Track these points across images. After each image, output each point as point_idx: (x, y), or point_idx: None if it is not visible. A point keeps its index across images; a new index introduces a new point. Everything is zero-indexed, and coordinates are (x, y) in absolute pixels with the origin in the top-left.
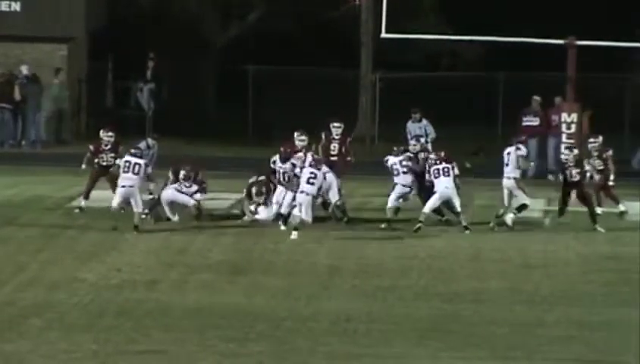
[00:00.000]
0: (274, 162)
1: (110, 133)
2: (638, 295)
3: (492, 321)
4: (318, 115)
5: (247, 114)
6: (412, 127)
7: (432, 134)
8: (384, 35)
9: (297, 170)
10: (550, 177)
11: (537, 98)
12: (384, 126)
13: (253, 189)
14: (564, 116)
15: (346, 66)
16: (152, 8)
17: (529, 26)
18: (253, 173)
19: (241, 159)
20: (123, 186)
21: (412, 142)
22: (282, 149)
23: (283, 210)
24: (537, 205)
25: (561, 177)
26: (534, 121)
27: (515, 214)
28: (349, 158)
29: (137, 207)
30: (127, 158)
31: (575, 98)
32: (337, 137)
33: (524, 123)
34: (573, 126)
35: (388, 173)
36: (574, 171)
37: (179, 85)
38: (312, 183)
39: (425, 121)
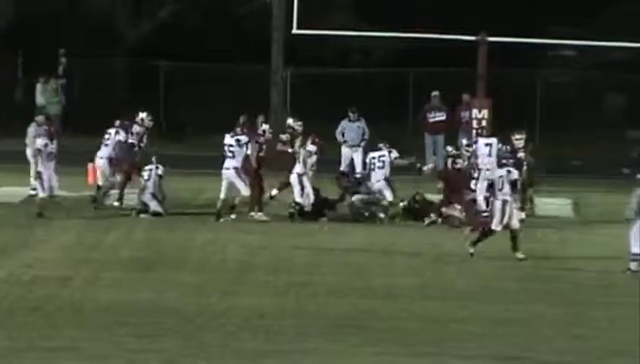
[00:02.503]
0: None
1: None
2: (549, 291)
3: (406, 317)
4: (231, 111)
5: (159, 111)
6: (349, 126)
7: (367, 134)
8: (295, 31)
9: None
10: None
11: (436, 93)
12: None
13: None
14: (475, 112)
15: (258, 62)
16: (64, 4)
17: (441, 22)
18: None
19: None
20: None
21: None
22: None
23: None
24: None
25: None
26: (441, 116)
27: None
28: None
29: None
30: None
31: (485, 94)
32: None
33: (430, 120)
34: (484, 122)
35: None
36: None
37: (90, 81)
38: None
39: (362, 121)
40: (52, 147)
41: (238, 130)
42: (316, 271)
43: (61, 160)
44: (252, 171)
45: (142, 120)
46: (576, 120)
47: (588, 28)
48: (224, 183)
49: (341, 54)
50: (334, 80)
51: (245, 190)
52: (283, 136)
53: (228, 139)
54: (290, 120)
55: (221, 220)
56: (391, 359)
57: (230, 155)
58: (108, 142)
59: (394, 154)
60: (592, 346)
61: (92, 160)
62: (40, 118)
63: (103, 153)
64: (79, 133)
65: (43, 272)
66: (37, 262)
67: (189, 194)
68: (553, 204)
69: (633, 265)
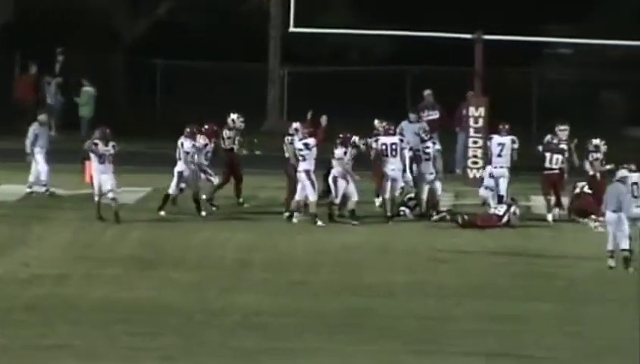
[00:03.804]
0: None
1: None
2: (545, 288)
3: (402, 315)
4: (228, 109)
5: (155, 109)
6: (409, 128)
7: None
8: (292, 29)
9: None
10: (458, 171)
11: (429, 91)
12: (293, 120)
13: None
14: (472, 110)
15: (255, 60)
16: (61, 2)
17: (438, 20)
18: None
19: (150, 154)
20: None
21: None
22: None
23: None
24: (446, 200)
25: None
26: (434, 115)
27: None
28: None
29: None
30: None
31: (482, 92)
32: None
33: (425, 118)
34: (481, 120)
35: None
36: None
37: (88, 79)
38: None
39: (423, 123)
40: (106, 149)
41: (305, 131)
42: (314, 269)
43: (58, 157)
44: (292, 172)
45: (232, 121)
46: (573, 118)
47: (584, 26)
48: (299, 186)
49: (338, 52)
50: (331, 78)
51: (312, 195)
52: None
53: (297, 144)
54: (375, 121)
55: (294, 220)
56: (388, 356)
57: (301, 158)
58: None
59: (437, 146)
60: (587, 343)
61: (88, 157)
62: (42, 117)
63: (179, 167)
64: (75, 130)
65: (40, 270)
66: (34, 259)
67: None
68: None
69: (611, 262)
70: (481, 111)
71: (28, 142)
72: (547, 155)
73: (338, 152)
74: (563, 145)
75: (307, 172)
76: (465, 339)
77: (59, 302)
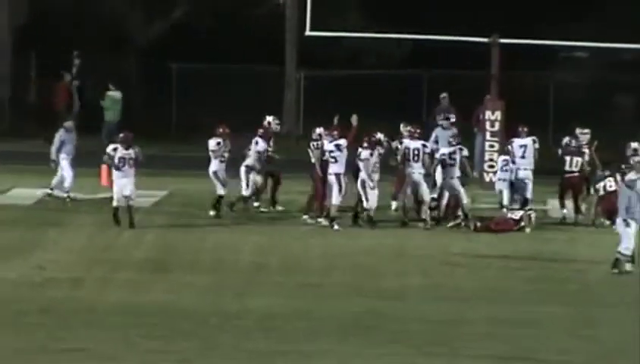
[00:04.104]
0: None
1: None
2: (558, 292)
3: (416, 318)
4: (243, 113)
5: (171, 113)
6: (443, 134)
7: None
8: (308, 32)
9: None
10: (475, 174)
11: (445, 95)
12: (309, 124)
13: None
14: (488, 113)
15: (271, 63)
16: (77, 5)
17: (454, 24)
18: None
19: (165, 157)
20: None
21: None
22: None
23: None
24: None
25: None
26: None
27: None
28: None
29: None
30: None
31: (499, 95)
32: None
33: (440, 122)
34: (497, 124)
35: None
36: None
37: (104, 82)
38: None
39: (455, 128)
40: (127, 153)
41: (335, 133)
42: (328, 272)
43: (74, 161)
44: (317, 177)
45: (268, 123)
46: (589, 121)
47: (599, 29)
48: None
49: (354, 55)
50: (348, 81)
51: (336, 198)
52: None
53: (328, 146)
54: (401, 126)
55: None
56: (402, 359)
57: (332, 160)
58: (250, 152)
59: (465, 152)
60: (601, 346)
61: (107, 162)
62: (69, 124)
63: (247, 162)
64: (92, 134)
65: (55, 274)
66: (49, 263)
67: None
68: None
69: (627, 266)
70: (498, 114)
71: (53, 148)
72: (567, 158)
73: (364, 153)
74: (585, 149)
75: (337, 175)
76: (477, 342)
77: (75, 306)
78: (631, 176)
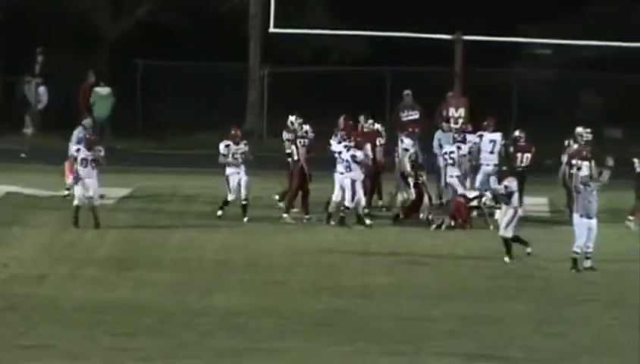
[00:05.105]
0: None
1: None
2: (522, 289)
3: (380, 316)
4: (208, 109)
5: (137, 110)
6: (444, 137)
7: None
8: (272, 29)
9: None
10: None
11: (408, 91)
12: (273, 120)
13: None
14: (452, 111)
15: (236, 60)
16: (43, 2)
17: (418, 21)
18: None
19: (130, 154)
20: None
21: None
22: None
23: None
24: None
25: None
26: (415, 115)
27: None
28: None
29: None
30: None
31: (462, 92)
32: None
33: (404, 118)
34: (460, 120)
35: (278, 168)
36: None
37: (69, 79)
38: None
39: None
40: (88, 154)
41: (343, 133)
42: (293, 270)
43: (37, 158)
44: (299, 174)
45: (291, 123)
46: (552, 118)
47: (562, 27)
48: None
49: (319, 52)
50: (312, 78)
51: (349, 202)
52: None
53: (336, 147)
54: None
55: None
56: (366, 357)
57: (343, 163)
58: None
59: (463, 151)
60: (565, 343)
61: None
62: (88, 121)
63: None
64: (56, 131)
65: (19, 271)
66: (13, 260)
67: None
68: (529, 203)
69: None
70: (461, 111)
71: (72, 145)
72: (518, 154)
73: (359, 154)
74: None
75: (354, 182)
76: (443, 340)
77: (39, 303)
78: (583, 172)
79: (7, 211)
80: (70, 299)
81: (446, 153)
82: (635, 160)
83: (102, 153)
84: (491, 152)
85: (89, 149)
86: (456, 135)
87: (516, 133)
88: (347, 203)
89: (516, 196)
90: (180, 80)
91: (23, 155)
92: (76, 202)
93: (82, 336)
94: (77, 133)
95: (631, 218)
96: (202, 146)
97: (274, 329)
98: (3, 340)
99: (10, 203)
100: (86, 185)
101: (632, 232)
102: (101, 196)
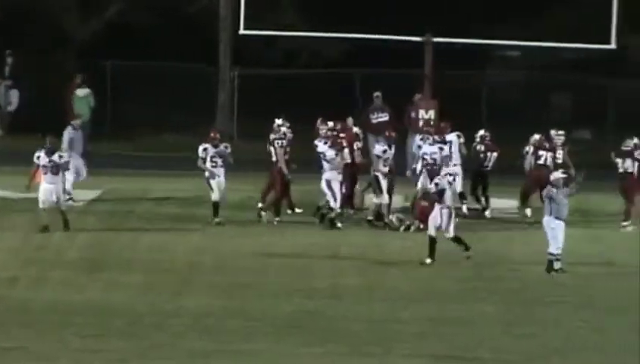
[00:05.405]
0: None
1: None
2: (492, 290)
3: (350, 318)
4: (177, 111)
5: (106, 111)
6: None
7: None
8: (242, 31)
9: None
10: (408, 173)
11: (378, 93)
12: (243, 123)
13: None
14: (421, 113)
15: (207, 62)
16: (12, 3)
17: (388, 23)
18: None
19: (99, 156)
20: None
21: None
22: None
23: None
24: (398, 202)
25: None
26: (384, 117)
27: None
28: None
29: None
30: None
31: (432, 95)
32: None
33: (373, 121)
34: (431, 123)
35: (245, 169)
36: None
37: (38, 80)
38: None
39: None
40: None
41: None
42: (262, 271)
43: (6, 160)
44: (277, 176)
45: (278, 126)
46: (522, 120)
47: (532, 29)
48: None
49: (289, 54)
50: (281, 80)
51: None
52: None
53: (322, 147)
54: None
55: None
56: (337, 359)
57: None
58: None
59: (446, 151)
60: (535, 344)
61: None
62: (77, 122)
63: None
64: (25, 132)
65: None
66: None
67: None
68: (499, 205)
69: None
70: (431, 113)
71: (65, 146)
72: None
73: (330, 153)
74: (560, 152)
75: (329, 181)
76: (412, 341)
77: (9, 305)
78: (556, 174)
79: None
80: (40, 301)
81: (426, 154)
82: (619, 160)
83: (62, 159)
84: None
85: (51, 154)
86: (436, 136)
87: (481, 132)
88: (332, 203)
89: (448, 195)
90: (149, 81)
91: None
92: (41, 205)
93: (52, 338)
94: (67, 133)
95: (624, 223)
96: (171, 148)
97: (244, 331)
98: None
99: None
100: (50, 190)
101: (605, 234)
102: (70, 199)
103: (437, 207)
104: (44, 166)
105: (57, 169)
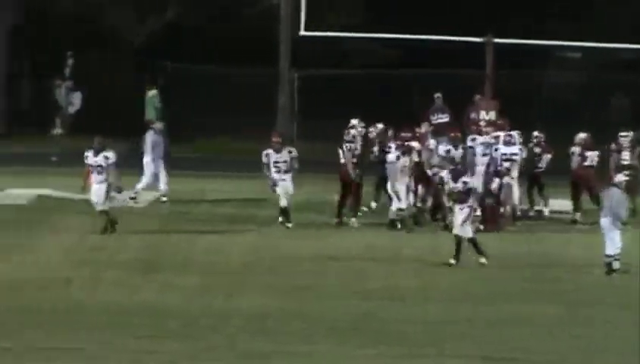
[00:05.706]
0: None
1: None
2: (551, 292)
3: (406, 319)
4: (236, 113)
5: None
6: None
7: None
8: (302, 32)
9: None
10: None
11: (439, 94)
12: (302, 124)
13: None
14: (482, 113)
15: (265, 64)
16: (70, 5)
17: (448, 24)
18: None
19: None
20: None
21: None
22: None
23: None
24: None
25: None
26: (444, 118)
27: None
28: None
29: None
30: None
31: (493, 95)
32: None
33: (434, 122)
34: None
35: (305, 171)
36: None
37: (97, 82)
38: None
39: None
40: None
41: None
42: (318, 273)
43: (67, 161)
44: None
45: (353, 127)
46: (582, 121)
47: (592, 29)
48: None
49: (348, 55)
50: (341, 81)
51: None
52: None
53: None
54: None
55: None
56: (391, 360)
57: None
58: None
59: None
60: (592, 345)
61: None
62: (158, 125)
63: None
64: (86, 133)
65: (44, 274)
66: (38, 263)
67: (196, 196)
68: (557, 205)
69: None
70: (492, 114)
71: (147, 149)
72: None
73: (391, 156)
74: (626, 154)
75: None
76: (467, 343)
77: (64, 306)
78: (620, 177)
79: (37, 214)
80: (95, 302)
81: (505, 154)
82: None
83: (110, 161)
84: (484, 155)
85: (96, 154)
86: (506, 136)
87: (535, 133)
88: (403, 205)
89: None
90: (208, 84)
91: (54, 159)
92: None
93: (107, 339)
94: (149, 136)
95: None
96: (229, 150)
97: (300, 332)
98: (26, 342)
99: (41, 206)
100: (92, 191)
101: None
102: (132, 198)
103: (458, 206)
104: (91, 166)
105: (102, 169)
